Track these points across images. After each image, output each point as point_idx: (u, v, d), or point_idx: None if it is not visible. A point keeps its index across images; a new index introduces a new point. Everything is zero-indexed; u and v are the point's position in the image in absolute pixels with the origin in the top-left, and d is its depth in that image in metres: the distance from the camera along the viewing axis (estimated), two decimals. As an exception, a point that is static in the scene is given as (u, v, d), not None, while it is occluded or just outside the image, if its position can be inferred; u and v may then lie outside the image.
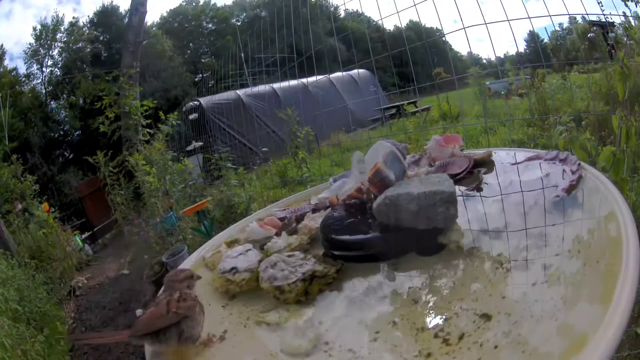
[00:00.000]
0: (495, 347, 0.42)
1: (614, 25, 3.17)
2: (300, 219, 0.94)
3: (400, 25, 2.89)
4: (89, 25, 17.16)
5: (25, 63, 15.01)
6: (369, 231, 0.71)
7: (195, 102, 8.92)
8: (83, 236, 5.98)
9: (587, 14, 2.32)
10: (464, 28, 2.17)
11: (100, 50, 17.24)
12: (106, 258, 5.48)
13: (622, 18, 2.39)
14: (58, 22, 15.91)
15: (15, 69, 14.24)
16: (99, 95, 5.08)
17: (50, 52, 15.61)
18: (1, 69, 13.25)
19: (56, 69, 15.66)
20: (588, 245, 0.55)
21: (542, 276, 0.50)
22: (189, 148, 7.20)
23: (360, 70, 12.13)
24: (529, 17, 2.05)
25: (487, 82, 7.96)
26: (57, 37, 15.87)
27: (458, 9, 2.25)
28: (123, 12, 16.33)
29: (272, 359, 0.50)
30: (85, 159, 4.71)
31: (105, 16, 17.48)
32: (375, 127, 9.08)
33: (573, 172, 0.73)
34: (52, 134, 14.48)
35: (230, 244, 0.92)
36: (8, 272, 2.92)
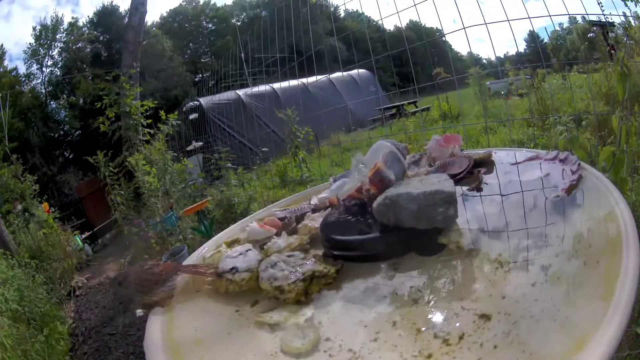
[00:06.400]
0: (495, 347, 0.42)
1: (614, 25, 3.17)
2: (300, 219, 0.93)
3: (400, 25, 2.90)
4: (88, 25, 17.19)
5: (25, 63, 15.05)
6: (369, 231, 0.71)
7: (195, 102, 8.92)
8: (83, 236, 5.97)
9: (587, 14, 2.32)
10: (464, 28, 2.18)
11: (100, 50, 17.25)
12: (106, 258, 5.46)
13: (622, 18, 2.40)
14: (58, 22, 15.93)
15: (15, 69, 14.28)
16: (99, 95, 5.07)
17: (50, 52, 15.65)
18: (1, 69, 13.25)
19: (56, 69, 15.69)
20: (588, 245, 0.55)
21: (542, 276, 0.50)
22: (189, 148, 7.19)
23: (360, 70, 12.14)
24: (529, 17, 2.05)
25: (487, 82, 7.94)
26: (57, 37, 15.89)
27: (458, 9, 2.26)
28: (123, 12, 16.35)
29: (272, 359, 0.50)
30: (85, 159, 4.70)
31: (105, 16, 17.50)
32: (375, 127, 9.08)
33: (573, 172, 0.73)
34: (52, 134, 14.49)
35: (230, 244, 0.92)
36: (8, 272, 2.91)
